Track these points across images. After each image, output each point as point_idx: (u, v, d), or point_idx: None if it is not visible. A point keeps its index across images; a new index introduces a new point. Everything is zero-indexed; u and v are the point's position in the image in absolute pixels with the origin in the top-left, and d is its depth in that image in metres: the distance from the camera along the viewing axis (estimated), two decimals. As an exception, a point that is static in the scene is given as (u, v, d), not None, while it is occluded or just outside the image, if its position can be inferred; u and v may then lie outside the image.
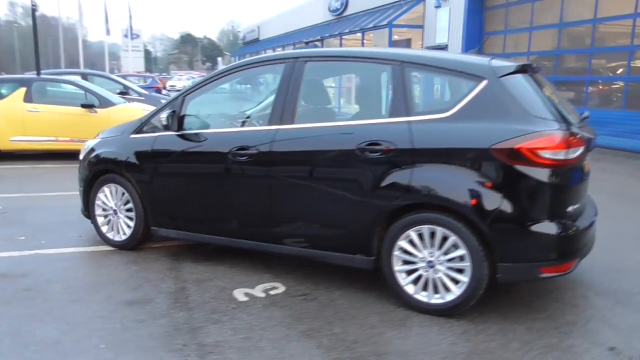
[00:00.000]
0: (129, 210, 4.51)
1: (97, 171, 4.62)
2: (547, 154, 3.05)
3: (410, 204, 3.35)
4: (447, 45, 15.47)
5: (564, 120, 3.21)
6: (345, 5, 22.24)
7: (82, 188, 4.79)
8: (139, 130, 4.47)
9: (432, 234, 3.32)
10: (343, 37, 20.49)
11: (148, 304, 3.54)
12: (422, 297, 3.40)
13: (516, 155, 3.08)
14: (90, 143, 4.86)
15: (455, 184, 3.22)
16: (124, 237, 4.58)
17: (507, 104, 3.21)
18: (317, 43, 22.51)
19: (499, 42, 14.50)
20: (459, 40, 14.88)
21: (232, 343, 3.03)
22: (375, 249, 3.53)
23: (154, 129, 4.39)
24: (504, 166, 3.12)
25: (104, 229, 4.69)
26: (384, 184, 3.39)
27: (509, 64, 3.35)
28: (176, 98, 4.31)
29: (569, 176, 3.19)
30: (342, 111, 3.92)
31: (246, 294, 3.71)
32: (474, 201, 3.16)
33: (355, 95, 4.01)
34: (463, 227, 3.20)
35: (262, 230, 3.90)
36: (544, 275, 3.19)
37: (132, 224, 4.50)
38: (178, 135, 4.16)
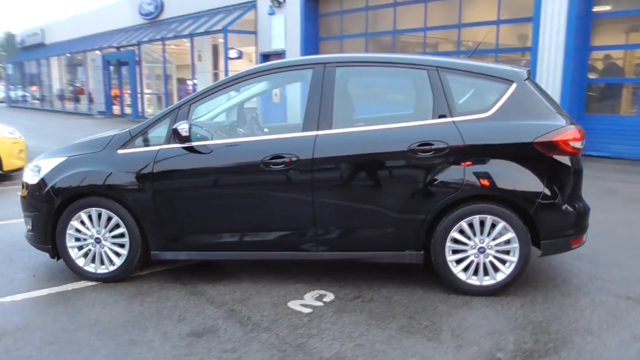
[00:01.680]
0: (117, 236, 3.94)
1: (70, 196, 3.92)
2: (575, 144, 3.64)
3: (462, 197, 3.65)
4: (284, 51, 16.01)
5: (566, 115, 3.86)
6: (161, 9, 21.34)
7: (40, 217, 4.01)
8: (128, 144, 3.93)
9: (482, 223, 3.67)
10: (165, 41, 19.64)
11: (216, 333, 3.22)
12: (474, 280, 3.73)
13: (553, 146, 3.61)
14: (47, 164, 4.08)
15: (506, 175, 3.62)
16: (112, 268, 3.98)
17: (535, 103, 3.73)
18: (132, 48, 21.16)
19: (335, 48, 15.54)
20: (297, 46, 15.53)
21: (351, 352, 2.98)
22: (423, 243, 3.75)
23: (147, 141, 3.93)
24: (543, 156, 3.62)
25: (80, 262, 4.01)
26: (438, 180, 3.63)
27: (525, 70, 3.88)
28: (180, 107, 3.91)
29: (581, 162, 3.83)
30: (375, 115, 3.97)
31: (304, 305, 3.61)
32: (523, 189, 3.61)
33: (391, 99, 4.13)
34: (511, 213, 3.62)
35: (303, 239, 3.81)
36: (573, 247, 3.79)
37: (123, 251, 3.94)
38: (189, 147, 3.79)
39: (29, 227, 4.16)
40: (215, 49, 19.95)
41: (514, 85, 3.73)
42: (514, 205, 3.63)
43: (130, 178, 3.85)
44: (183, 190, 3.86)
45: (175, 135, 3.75)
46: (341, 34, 15.20)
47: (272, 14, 16.24)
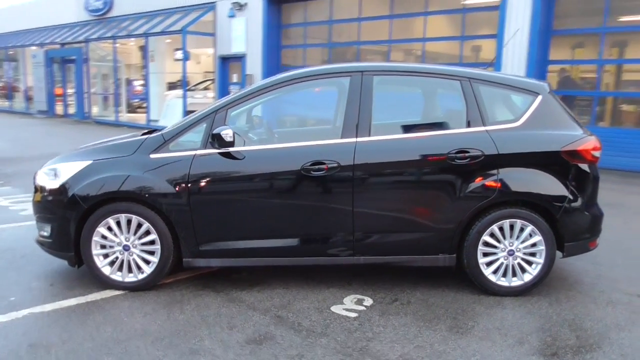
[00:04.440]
0: (147, 243, 3.83)
1: (97, 201, 3.78)
2: (595, 153, 3.91)
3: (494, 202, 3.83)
4: (245, 55, 15.90)
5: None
6: (110, 6, 20.59)
7: (62, 223, 3.84)
8: (162, 148, 3.84)
9: (511, 226, 3.86)
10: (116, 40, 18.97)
11: (273, 339, 3.21)
12: (503, 282, 3.92)
13: (577, 155, 3.86)
14: (68, 167, 3.91)
15: (536, 181, 3.84)
16: (141, 276, 3.87)
17: (557, 114, 3.98)
18: (78, 45, 20.27)
19: (298, 55, 15.61)
20: (259, 50, 15.46)
21: (414, 353, 3.07)
22: (456, 247, 3.91)
23: (179, 145, 3.85)
24: (569, 164, 3.87)
25: (106, 270, 3.87)
26: (473, 186, 3.79)
27: (546, 83, 4.12)
28: (216, 111, 3.86)
29: (598, 170, 4.11)
30: (411, 122, 4.04)
31: (348, 310, 3.66)
32: (551, 194, 3.83)
33: (426, 108, 4.21)
34: (539, 218, 3.84)
35: (341, 245, 3.86)
36: (590, 248, 4.06)
37: (154, 258, 3.84)
38: (225, 153, 3.75)
39: (46, 233, 3.97)
40: (167, 48, 19.49)
41: (539, 97, 3.96)
42: (542, 209, 3.85)
43: (165, 183, 3.76)
44: (219, 196, 3.81)
45: (216, 140, 3.70)
46: (304, 43, 15.29)
47: (232, 16, 16.08)
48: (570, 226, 3.90)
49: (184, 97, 16.43)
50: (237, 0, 15.78)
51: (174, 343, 3.12)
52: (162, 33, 16.85)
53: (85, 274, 4.13)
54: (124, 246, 3.83)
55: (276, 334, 3.27)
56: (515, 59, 10.55)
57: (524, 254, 3.89)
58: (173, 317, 3.47)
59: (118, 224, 3.82)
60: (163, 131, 3.95)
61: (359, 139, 3.79)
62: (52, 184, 3.92)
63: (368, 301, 3.81)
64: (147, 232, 3.82)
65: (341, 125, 3.86)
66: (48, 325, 3.32)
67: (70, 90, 21.75)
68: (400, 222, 3.86)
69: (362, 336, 3.27)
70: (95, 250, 3.83)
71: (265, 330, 3.32)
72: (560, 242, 3.92)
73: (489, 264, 3.90)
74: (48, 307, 3.58)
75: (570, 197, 3.86)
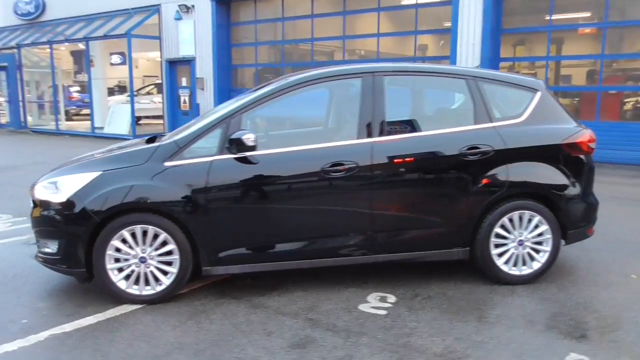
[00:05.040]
0: (164, 254, 3.72)
1: (110, 214, 3.63)
2: (591, 145, 4.17)
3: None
4: (194, 58, 15.59)
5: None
6: (42, 10, 19.57)
7: (71, 238, 3.67)
8: (176, 156, 3.73)
9: (520, 218, 4.04)
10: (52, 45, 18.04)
11: (315, 342, 3.21)
12: (514, 271, 4.09)
13: (576, 147, 4.10)
14: (73, 180, 3.72)
15: (541, 173, 4.04)
16: (159, 289, 3.75)
17: (554, 109, 4.20)
18: (9, 51, 19.15)
19: (250, 53, 15.49)
20: (209, 52, 15.20)
21: (457, 345, 3.15)
22: (469, 240, 4.04)
23: (194, 152, 3.76)
24: (569, 156, 4.10)
25: (122, 284, 3.72)
26: (485, 180, 3.94)
27: (542, 80, 4.34)
28: (231, 116, 3.80)
29: (593, 161, 4.35)
30: (422, 121, 4.09)
31: (375, 307, 3.71)
32: (555, 185, 4.04)
33: (435, 106, 4.30)
34: (545, 208, 4.04)
35: (360, 244, 3.90)
36: (588, 235, 4.31)
37: (172, 269, 3.73)
38: (242, 157, 3.71)
39: (50, 249, 3.76)
40: (105, 53, 18.80)
41: (539, 93, 4.17)
42: (548, 200, 4.05)
43: (182, 192, 3.66)
44: (240, 202, 3.75)
45: (234, 145, 3.64)
46: (255, 41, 15.18)
47: (179, 19, 15.72)
48: (572, 215, 4.13)
49: (132, 102, 15.88)
50: (183, 2, 15.45)
51: (217, 354, 3.05)
52: (105, 37, 16.21)
53: (90, 290, 3.96)
54: (140, 258, 3.70)
55: (316, 337, 3.26)
56: (469, 57, 10.96)
57: (533, 243, 4.07)
58: (204, 328, 3.39)
59: (133, 235, 3.68)
60: (175, 138, 3.84)
61: (375, 139, 3.85)
62: (56, 197, 3.73)
63: (391, 298, 3.87)
64: (164, 243, 3.70)
65: (356, 126, 3.89)
66: (76, 346, 3.15)
67: (1, 99, 20.50)
68: (417, 219, 3.95)
69: (400, 332, 3.32)
70: (110, 265, 3.67)
71: (303, 333, 3.31)
72: (563, 231, 4.13)
73: (500, 254, 4.06)
74: (67, 327, 3.40)
75: (572, 187, 4.09)
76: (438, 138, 3.96)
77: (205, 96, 15.47)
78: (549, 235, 4.07)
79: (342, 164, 3.76)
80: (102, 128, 16.99)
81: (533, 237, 4.06)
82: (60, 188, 3.75)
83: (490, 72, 4.29)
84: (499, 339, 3.25)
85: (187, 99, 16.14)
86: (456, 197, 3.94)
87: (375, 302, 3.79)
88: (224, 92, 15.36)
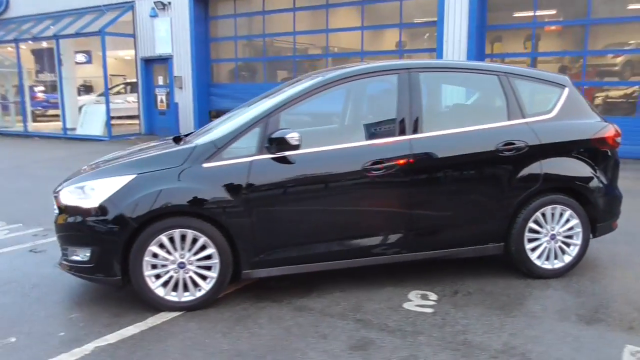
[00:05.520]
0: (203, 258, 3.60)
1: (148, 218, 3.49)
2: (617, 139, 4.25)
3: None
4: (171, 56, 15.25)
5: (597, 114, 4.47)
6: (6, 6, 18.80)
7: (106, 245, 3.51)
8: (215, 157, 3.61)
9: (552, 213, 4.09)
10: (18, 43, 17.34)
11: (374, 343, 3.16)
12: (547, 265, 4.14)
13: (604, 142, 4.17)
14: (106, 183, 3.56)
15: (573, 168, 4.09)
16: (199, 294, 3.63)
17: (581, 105, 4.27)
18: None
19: (229, 48, 15.28)
20: (187, 50, 14.90)
21: (515, 341, 3.16)
22: (503, 235, 4.07)
23: (231, 152, 3.65)
24: (598, 150, 4.17)
25: (160, 291, 3.58)
26: (520, 176, 3.97)
27: (567, 76, 4.39)
28: (269, 115, 3.70)
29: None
30: (457, 117, 4.10)
31: (420, 306, 3.68)
32: (587, 180, 4.11)
33: (469, 103, 4.29)
34: (575, 202, 4.10)
35: (399, 242, 3.87)
36: (614, 228, 4.39)
37: (212, 274, 3.62)
38: (280, 157, 3.62)
39: (81, 257, 3.60)
40: (73, 51, 18.19)
41: (567, 89, 4.22)
42: (578, 194, 4.11)
43: (222, 194, 3.55)
44: (280, 202, 3.67)
45: (275, 145, 3.56)
46: (235, 35, 14.98)
47: (154, 16, 15.35)
48: (601, 208, 4.20)
49: (107, 102, 15.41)
50: (160, -1, 15.09)
51: (279, 359, 2.97)
52: (78, 35, 15.67)
53: (121, 298, 3.82)
54: (179, 264, 3.57)
55: (373, 338, 3.22)
56: (455, 53, 11.08)
57: (564, 237, 4.13)
58: (256, 333, 3.30)
59: (171, 240, 3.54)
60: (213, 138, 3.72)
61: (413, 136, 3.82)
62: (88, 202, 3.56)
63: (432, 296, 3.85)
64: (203, 247, 3.58)
65: (394, 123, 3.86)
66: (126, 358, 3.01)
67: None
68: (455, 215, 3.95)
69: (454, 330, 3.31)
70: (147, 271, 3.53)
71: (358, 335, 3.26)
72: (592, 224, 4.20)
73: (533, 249, 4.09)
74: (110, 338, 3.25)
75: (602, 181, 4.17)
76: (474, 134, 3.96)
77: (184, 95, 15.17)
78: (579, 229, 4.13)
79: (382, 162, 3.72)
80: (74, 129, 16.44)
81: (564, 231, 4.12)
82: (91, 193, 3.59)
83: (521, 68, 4.32)
84: (553, 333, 3.27)
85: (164, 98, 15.79)
86: (493, 193, 3.96)
87: (418, 300, 3.77)
88: (203, 89, 15.12)
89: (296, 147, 3.55)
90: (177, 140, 4.33)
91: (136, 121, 16.65)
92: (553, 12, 11.33)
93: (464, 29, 10.94)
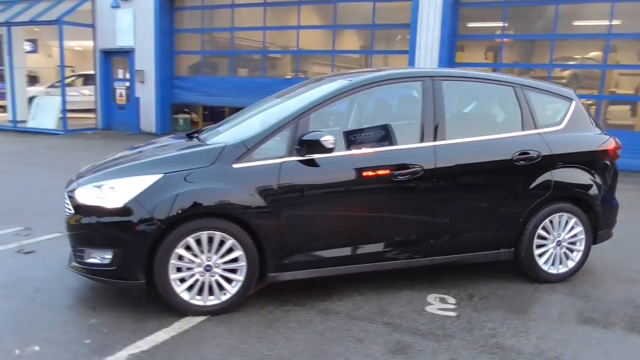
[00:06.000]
0: (229, 261, 3.53)
1: (173, 221, 3.38)
2: (618, 152, 4.49)
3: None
4: (133, 49, 14.77)
5: (596, 126, 4.69)
6: (-51, -12, 17.59)
7: (131, 248, 3.38)
8: (244, 157, 3.55)
9: (559, 220, 4.27)
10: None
11: (412, 347, 3.20)
12: (552, 270, 4.31)
13: (607, 153, 4.40)
14: (130, 183, 3.43)
15: (580, 178, 4.28)
16: (225, 298, 3.55)
17: (584, 118, 4.48)
18: None
19: (195, 41, 14.96)
20: (150, 43, 14.45)
21: (544, 345, 3.28)
22: (514, 241, 4.21)
23: (261, 153, 3.59)
24: (601, 162, 4.38)
25: (185, 295, 3.48)
26: (533, 184, 4.12)
27: (573, 90, 4.60)
28: (299, 116, 3.67)
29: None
30: (474, 125, 4.18)
31: (443, 309, 3.75)
32: (592, 189, 4.31)
33: (486, 112, 4.39)
34: (580, 210, 4.30)
35: (419, 247, 3.93)
36: (610, 236, 4.62)
37: (238, 277, 3.55)
38: (309, 160, 3.61)
39: (101, 260, 3.44)
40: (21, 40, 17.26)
41: (574, 102, 4.42)
42: (583, 203, 4.31)
43: (253, 195, 3.49)
44: (309, 205, 3.65)
45: (307, 147, 3.53)
46: (202, 27, 14.71)
47: (116, 6, 14.81)
48: (602, 217, 4.42)
49: (63, 95, 14.71)
50: (122, -11, 14.58)
51: (324, 365, 2.96)
52: (33, 23, 14.91)
53: (136, 302, 3.69)
54: (206, 267, 3.48)
55: (409, 342, 3.25)
56: (427, 60, 11.33)
57: (568, 243, 4.32)
58: (291, 337, 3.26)
59: (197, 242, 3.45)
60: (243, 138, 3.63)
61: (437, 143, 3.89)
62: (110, 202, 3.41)
63: (450, 299, 3.94)
64: (230, 249, 3.51)
65: (418, 128, 3.91)
66: (165, 365, 2.91)
67: None
68: (472, 221, 4.05)
69: (483, 333, 3.40)
70: (173, 275, 3.42)
71: (393, 338, 3.28)
72: (594, 232, 4.41)
73: (540, 255, 4.26)
74: (142, 344, 3.13)
75: (604, 190, 4.38)
76: (493, 143, 4.08)
77: (146, 89, 14.73)
78: (582, 236, 4.32)
79: (407, 167, 3.77)
80: (24, 121, 15.61)
81: (569, 238, 4.30)
82: (113, 192, 3.43)
83: (534, 81, 4.48)
84: (577, 336, 3.41)
85: (124, 92, 15.27)
86: (507, 200, 4.09)
87: (438, 304, 3.84)
88: (166, 81, 14.74)
89: (330, 150, 3.53)
90: (190, 137, 4.23)
91: (92, 115, 16.00)
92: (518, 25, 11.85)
93: (437, 36, 11.20)
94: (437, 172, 3.85)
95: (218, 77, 14.88)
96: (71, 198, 3.60)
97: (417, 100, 3.96)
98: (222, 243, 3.49)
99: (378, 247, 3.85)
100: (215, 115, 16.39)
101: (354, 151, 3.79)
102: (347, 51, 13.71)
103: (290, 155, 3.60)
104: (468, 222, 4.04)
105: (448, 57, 11.34)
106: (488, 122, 4.40)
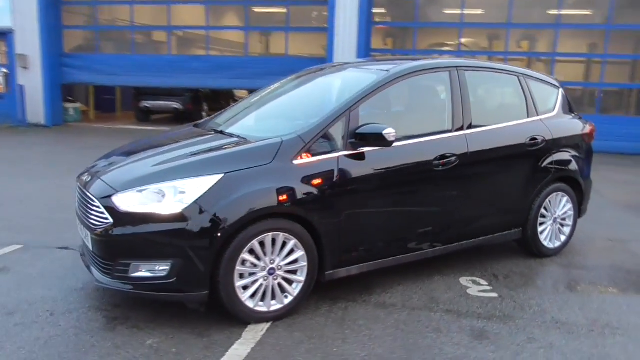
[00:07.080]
0: (290, 262, 3.37)
1: (241, 225, 3.13)
2: (594, 134, 4.99)
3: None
4: (11, 30, 13.06)
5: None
6: None
7: (195, 256, 3.08)
8: (303, 152, 3.37)
9: (555, 199, 4.66)
10: None
11: (489, 332, 3.31)
12: (550, 245, 4.69)
13: (588, 136, 4.88)
14: (191, 184, 3.10)
15: (572, 159, 4.69)
16: (287, 301, 3.38)
17: (568, 104, 4.91)
18: None
19: (87, 37, 13.65)
20: (34, 22, 12.85)
21: (595, 316, 3.59)
22: (523, 221, 4.52)
23: (316, 148, 3.44)
24: (584, 143, 4.85)
25: (250, 302, 3.26)
26: (540, 167, 4.44)
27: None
28: (350, 108, 3.56)
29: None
30: (490, 114, 4.23)
31: (482, 291, 3.92)
32: (580, 169, 4.75)
33: (501, 100, 4.51)
34: (570, 189, 4.74)
35: (450, 234, 4.06)
36: (586, 210, 5.14)
37: (299, 277, 3.40)
38: (361, 154, 3.55)
39: (153, 273, 3.09)
40: None
41: (560, 90, 4.82)
42: (574, 182, 4.74)
43: (314, 192, 3.34)
44: (363, 199, 3.58)
45: (373, 140, 3.45)
46: (95, 24, 13.45)
47: (-14, -19, 12.95)
48: (585, 194, 4.90)
49: None
50: (-6, -40, 12.77)
51: (426, 358, 2.96)
52: None
53: (181, 314, 3.37)
54: (269, 270, 3.28)
55: (481, 327, 3.36)
56: (346, 47, 11.50)
57: (561, 219, 4.73)
58: (377, 336, 3.20)
59: (261, 245, 3.23)
60: (299, 132, 3.43)
61: (467, 131, 4.03)
62: (165, 208, 3.06)
63: (481, 281, 4.13)
64: (291, 250, 3.34)
65: (450, 118, 4.01)
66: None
67: None
68: (493, 205, 4.27)
69: (534, 310, 3.63)
70: (238, 282, 3.18)
71: (466, 325, 3.37)
72: (579, 207, 4.88)
73: (541, 232, 4.62)
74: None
75: (587, 169, 4.86)
76: (511, 130, 4.31)
77: (31, 75, 13.15)
78: (572, 212, 4.77)
79: (446, 157, 3.86)
80: None
81: (562, 214, 4.72)
82: (168, 197, 3.08)
83: (529, 70, 4.79)
84: (607, 303, 3.77)
85: (1, 79, 13.48)
86: (521, 184, 4.36)
87: (475, 286, 4.01)
88: (54, 60, 13.26)
89: (391, 144, 3.48)
90: (197, 126, 4.07)
91: (-40, 105, 13.91)
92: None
93: (354, 26, 11.41)
94: (470, 160, 3.98)
95: (119, 55, 13.74)
96: (111, 206, 3.14)
97: (447, 90, 4.04)
98: (284, 244, 3.30)
99: (422, 237, 3.90)
100: (106, 104, 15.22)
101: (400, 143, 3.76)
102: (259, 28, 13.42)
103: (345, 149, 3.49)
104: (493, 205, 4.26)
105: (366, 43, 11.64)
106: (503, 110, 4.63)
